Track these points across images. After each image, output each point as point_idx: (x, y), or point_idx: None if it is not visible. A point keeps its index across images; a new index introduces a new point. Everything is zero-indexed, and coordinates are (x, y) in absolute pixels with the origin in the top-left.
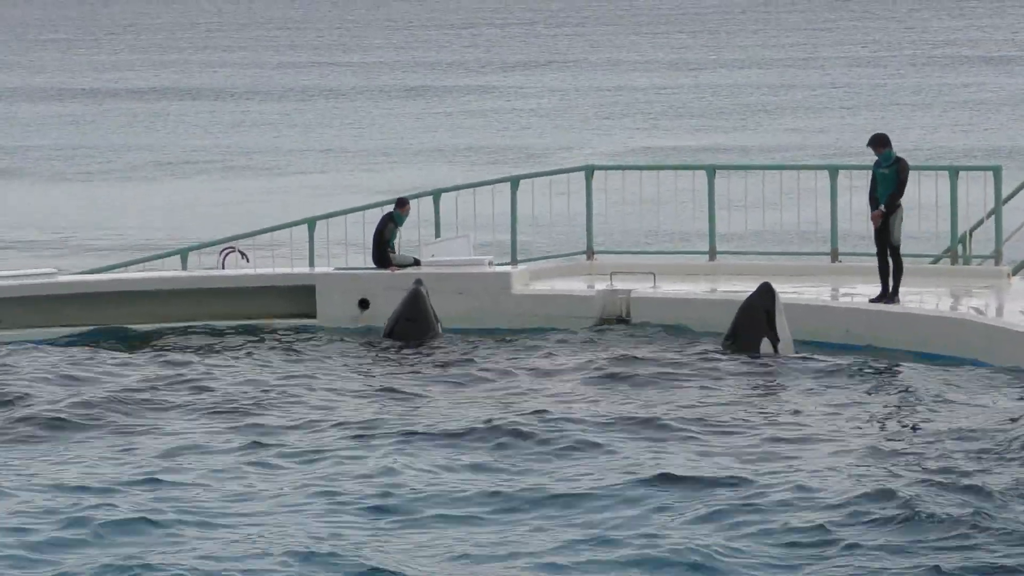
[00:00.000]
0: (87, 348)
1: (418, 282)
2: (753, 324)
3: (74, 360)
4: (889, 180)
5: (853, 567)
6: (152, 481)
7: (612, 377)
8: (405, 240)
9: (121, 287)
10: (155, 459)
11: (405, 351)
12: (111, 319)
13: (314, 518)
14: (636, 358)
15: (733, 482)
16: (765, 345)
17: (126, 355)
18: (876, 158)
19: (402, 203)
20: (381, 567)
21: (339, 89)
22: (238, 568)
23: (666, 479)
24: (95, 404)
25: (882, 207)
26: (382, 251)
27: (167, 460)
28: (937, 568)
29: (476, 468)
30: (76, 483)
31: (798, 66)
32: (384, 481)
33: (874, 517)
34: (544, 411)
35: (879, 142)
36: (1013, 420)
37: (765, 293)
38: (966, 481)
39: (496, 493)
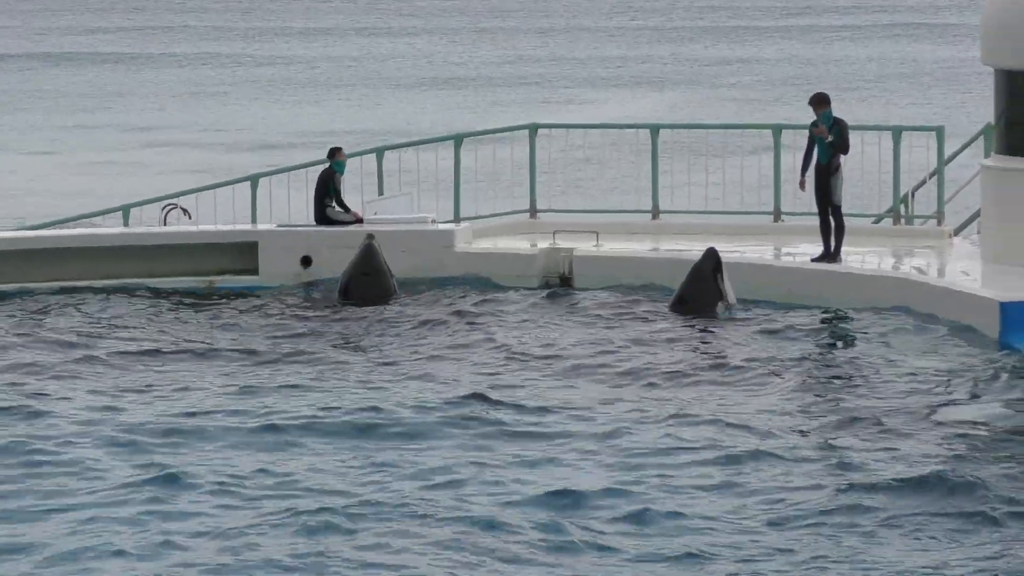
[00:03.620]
0: (25, 304)
1: (370, 236)
2: (705, 291)
3: (12, 317)
4: (829, 141)
5: (806, 530)
6: (92, 442)
7: (563, 337)
8: (348, 201)
9: (62, 244)
10: (97, 417)
11: (359, 309)
12: (52, 276)
13: (262, 485)
14: (585, 318)
15: (687, 446)
16: (720, 309)
17: (67, 312)
18: (814, 118)
19: (336, 151)
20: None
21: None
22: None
23: (622, 435)
24: (33, 361)
25: (836, 160)
26: (324, 207)
27: (110, 417)
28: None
29: (432, 434)
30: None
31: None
32: (344, 444)
33: (833, 481)
34: (502, 374)
35: (819, 100)
36: (953, 379)
37: (713, 258)
38: (898, 442)
39: (458, 459)
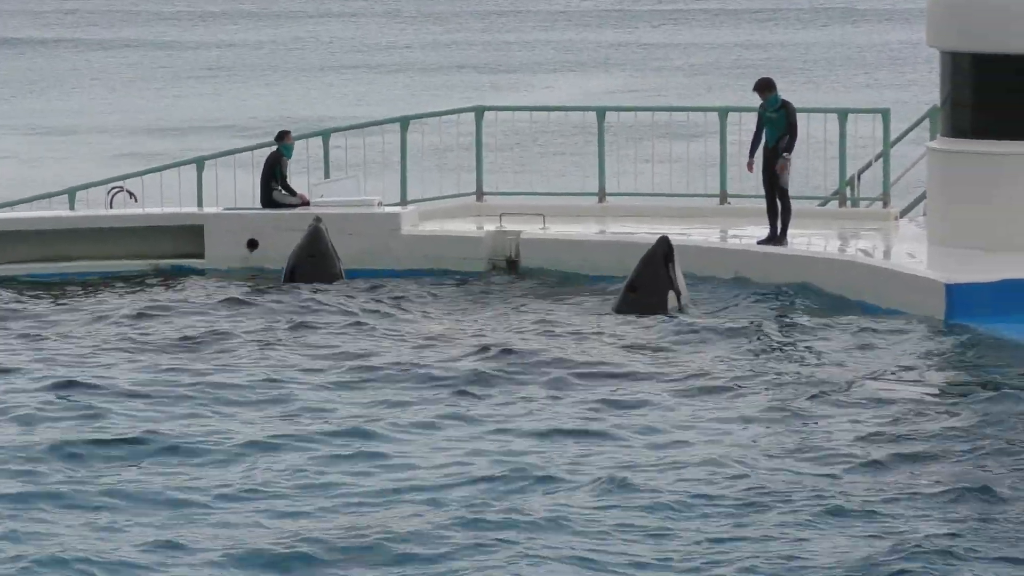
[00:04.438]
0: None
1: (317, 219)
2: (656, 279)
3: None
4: (777, 124)
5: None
6: (37, 428)
7: (509, 322)
8: (295, 184)
9: (6, 227)
10: (42, 404)
11: (306, 293)
12: None
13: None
14: (531, 302)
15: (635, 437)
16: (671, 299)
17: (10, 295)
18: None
19: (284, 134)
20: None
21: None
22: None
23: (568, 426)
24: None
25: (786, 157)
26: (270, 190)
27: (57, 406)
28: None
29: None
30: None
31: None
32: (293, 430)
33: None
34: (447, 359)
35: (764, 86)
36: (898, 362)
37: (665, 246)
38: (844, 424)
39: (407, 441)
